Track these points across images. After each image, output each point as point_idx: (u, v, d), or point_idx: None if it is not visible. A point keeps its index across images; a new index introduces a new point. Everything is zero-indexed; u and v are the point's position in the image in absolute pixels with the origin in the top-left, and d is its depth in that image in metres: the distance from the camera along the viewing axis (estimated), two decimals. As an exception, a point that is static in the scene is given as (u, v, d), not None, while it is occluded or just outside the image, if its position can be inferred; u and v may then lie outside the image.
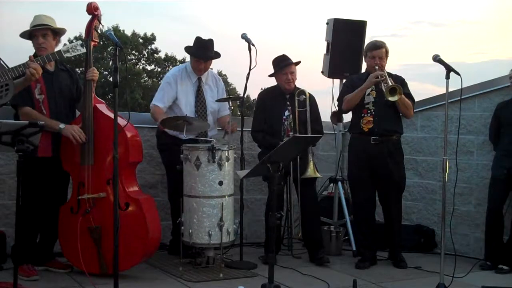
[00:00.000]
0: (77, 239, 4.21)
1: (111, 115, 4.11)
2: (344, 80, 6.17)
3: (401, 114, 5.13)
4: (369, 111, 5.05)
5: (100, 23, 4.33)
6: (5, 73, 3.73)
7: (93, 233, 4.29)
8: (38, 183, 4.30)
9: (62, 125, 4.25)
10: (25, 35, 4.33)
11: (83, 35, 4.51)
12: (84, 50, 4.12)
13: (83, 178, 4.32)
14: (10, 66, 3.81)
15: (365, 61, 5.15)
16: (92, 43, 4.36)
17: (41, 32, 4.29)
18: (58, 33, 4.42)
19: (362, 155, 5.08)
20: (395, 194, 5.18)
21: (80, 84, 4.60)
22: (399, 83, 5.04)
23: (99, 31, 4.35)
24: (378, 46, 5.03)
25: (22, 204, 4.22)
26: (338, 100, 5.28)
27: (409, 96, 5.07)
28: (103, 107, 4.44)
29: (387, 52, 5.06)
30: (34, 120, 3.62)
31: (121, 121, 4.02)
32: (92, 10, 4.28)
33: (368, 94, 5.05)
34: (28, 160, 4.03)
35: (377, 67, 4.96)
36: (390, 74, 5.08)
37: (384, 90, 4.82)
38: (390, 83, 4.82)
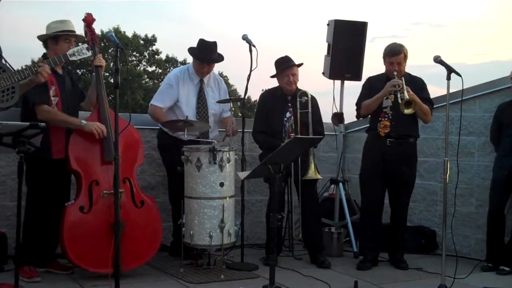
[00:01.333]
0: (93, 238, 4.24)
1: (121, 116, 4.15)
2: (346, 82, 6.20)
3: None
4: (386, 115, 5.05)
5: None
6: (11, 76, 3.74)
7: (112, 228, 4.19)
8: (50, 185, 4.36)
9: (84, 122, 4.34)
10: (47, 37, 4.41)
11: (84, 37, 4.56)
12: (89, 53, 4.17)
13: (97, 176, 4.35)
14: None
15: (384, 64, 5.10)
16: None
17: (73, 38, 4.45)
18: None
19: (377, 155, 5.08)
20: (404, 196, 5.19)
21: (79, 84, 4.72)
22: (419, 86, 5.02)
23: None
24: (396, 52, 4.98)
25: (32, 206, 4.33)
26: (356, 104, 5.24)
27: (427, 100, 5.04)
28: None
29: (405, 56, 5.02)
30: (34, 122, 3.64)
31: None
32: (91, 21, 4.44)
33: (386, 98, 5.03)
34: (43, 162, 4.23)
35: (395, 73, 4.94)
36: (410, 76, 5.07)
37: (399, 101, 4.80)
38: (406, 95, 4.77)
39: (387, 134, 5.03)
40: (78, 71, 33.22)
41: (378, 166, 5.08)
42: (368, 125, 5.33)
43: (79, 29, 4.50)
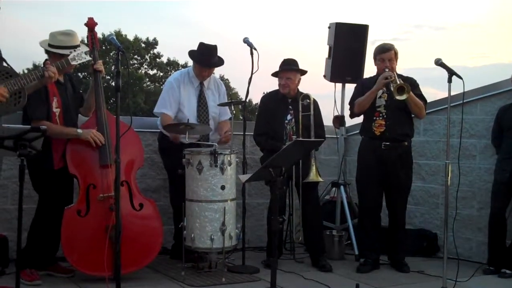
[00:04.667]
0: (89, 241, 4.25)
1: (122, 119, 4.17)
2: (347, 84, 6.21)
3: (413, 116, 5.13)
4: (381, 115, 5.06)
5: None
6: (18, 80, 3.77)
7: (112, 231, 4.20)
8: (58, 191, 4.39)
9: (80, 130, 4.35)
10: (50, 50, 4.37)
11: (85, 40, 4.58)
12: (88, 58, 4.18)
13: (94, 180, 4.35)
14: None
15: (375, 65, 5.13)
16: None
17: None
18: None
19: (372, 158, 5.08)
20: (401, 199, 5.19)
21: (79, 89, 4.70)
22: (410, 84, 5.00)
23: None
24: (386, 48, 5.04)
25: (42, 211, 4.39)
26: (349, 103, 5.26)
27: (420, 97, 5.05)
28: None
29: (396, 54, 5.06)
30: (36, 126, 3.65)
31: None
32: (94, 25, 4.42)
33: (380, 97, 5.05)
34: (47, 172, 4.28)
35: (387, 70, 4.96)
36: (401, 76, 5.07)
37: (392, 89, 4.81)
38: (398, 82, 4.80)
39: (382, 134, 5.03)
40: (79, 74, 33.27)
41: (373, 168, 5.07)
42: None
43: (81, 33, 4.52)
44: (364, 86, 5.19)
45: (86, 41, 4.52)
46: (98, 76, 4.47)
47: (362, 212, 5.29)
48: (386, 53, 5.02)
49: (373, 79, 5.15)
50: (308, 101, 5.18)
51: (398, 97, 4.77)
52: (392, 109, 4.98)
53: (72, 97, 4.54)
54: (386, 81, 4.89)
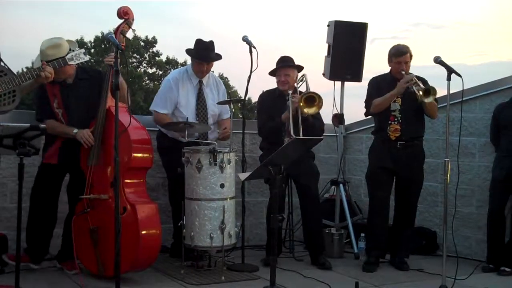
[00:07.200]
0: (81, 238, 4.30)
1: (125, 119, 4.10)
2: (346, 83, 6.21)
3: (425, 116, 5.13)
4: (396, 119, 5.05)
5: (130, 27, 4.43)
6: (13, 79, 3.76)
7: (92, 233, 4.32)
8: (47, 187, 4.44)
9: (75, 130, 4.36)
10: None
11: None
12: (86, 58, 4.17)
13: (93, 179, 4.38)
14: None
15: (389, 66, 5.13)
16: None
17: None
18: None
19: (386, 156, 5.08)
20: (414, 196, 5.20)
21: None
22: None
23: (126, 35, 4.44)
24: (402, 52, 5.04)
25: (32, 206, 4.46)
26: (365, 102, 5.24)
27: None
28: (121, 110, 4.35)
29: (411, 56, 5.06)
30: (35, 124, 3.66)
31: (133, 123, 4.24)
32: (122, 15, 4.38)
33: (394, 101, 5.05)
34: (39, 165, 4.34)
35: (403, 72, 4.97)
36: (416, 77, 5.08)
37: (417, 92, 4.79)
38: (422, 86, 4.81)
39: (398, 138, 5.03)
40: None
41: (387, 166, 5.08)
42: (368, 126, 5.32)
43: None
44: (378, 83, 5.19)
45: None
46: (108, 70, 4.31)
47: (373, 211, 5.24)
48: (402, 57, 5.03)
49: (386, 78, 5.17)
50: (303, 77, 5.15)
51: (426, 100, 4.77)
52: (407, 113, 5.00)
53: (85, 98, 4.46)
54: (407, 85, 4.89)
